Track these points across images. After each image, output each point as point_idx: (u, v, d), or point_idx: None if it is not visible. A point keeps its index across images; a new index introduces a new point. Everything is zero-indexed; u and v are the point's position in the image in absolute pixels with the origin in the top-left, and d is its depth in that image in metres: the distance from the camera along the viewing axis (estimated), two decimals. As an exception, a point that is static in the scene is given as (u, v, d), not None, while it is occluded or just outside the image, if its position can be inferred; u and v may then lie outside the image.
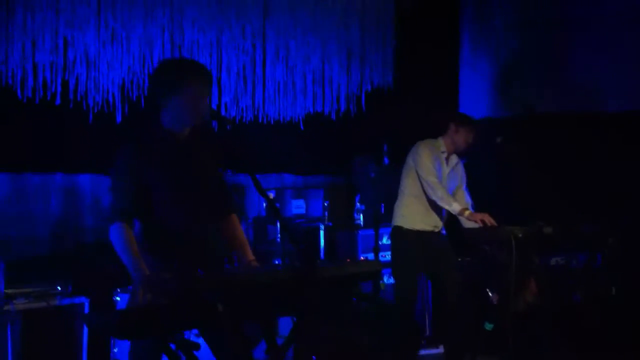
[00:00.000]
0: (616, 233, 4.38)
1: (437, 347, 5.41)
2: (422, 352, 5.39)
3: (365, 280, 3.33)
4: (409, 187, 4.76)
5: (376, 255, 5.36)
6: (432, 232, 4.74)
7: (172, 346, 2.56)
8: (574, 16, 6.08)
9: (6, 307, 3.78)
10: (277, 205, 5.32)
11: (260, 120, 5.73)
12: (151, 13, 4.95)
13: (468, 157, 4.99)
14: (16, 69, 4.49)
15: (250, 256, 3.16)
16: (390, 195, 5.93)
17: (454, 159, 4.86)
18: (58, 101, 4.67)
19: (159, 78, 3.06)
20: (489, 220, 4.39)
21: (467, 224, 4.60)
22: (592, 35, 5.95)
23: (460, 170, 4.91)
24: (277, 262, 5.04)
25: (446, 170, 4.79)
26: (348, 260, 3.53)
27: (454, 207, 4.54)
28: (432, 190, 4.62)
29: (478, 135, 4.80)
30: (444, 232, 4.83)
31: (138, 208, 2.97)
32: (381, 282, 5.42)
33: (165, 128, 3.04)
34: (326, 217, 5.75)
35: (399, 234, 4.78)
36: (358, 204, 5.96)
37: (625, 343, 4.44)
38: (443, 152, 4.78)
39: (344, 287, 2.93)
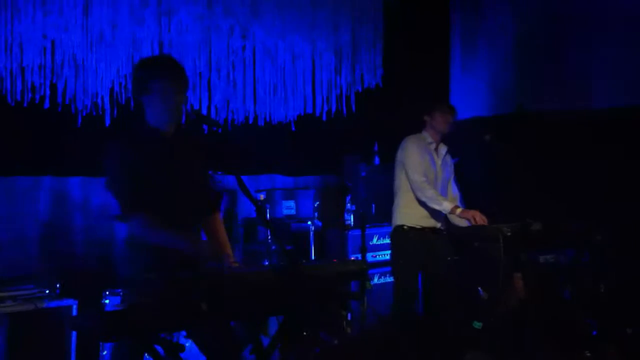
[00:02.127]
0: (603, 229, 4.39)
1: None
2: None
3: (352, 280, 3.34)
4: (403, 184, 4.72)
5: (364, 255, 5.35)
6: (432, 229, 4.70)
7: (158, 348, 2.56)
8: (566, 13, 6.08)
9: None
10: (267, 206, 5.32)
11: (250, 122, 5.72)
12: (139, 14, 4.94)
13: (459, 155, 4.97)
14: (4, 72, 4.49)
15: (231, 256, 3.15)
16: (381, 195, 5.94)
17: (442, 149, 4.83)
18: (47, 104, 4.67)
19: (133, 77, 3.13)
20: (480, 217, 4.39)
21: (456, 220, 4.58)
22: (583, 32, 5.96)
23: (450, 160, 4.89)
24: (266, 263, 5.04)
25: (439, 161, 4.78)
26: (335, 260, 3.55)
27: (445, 206, 4.51)
28: (420, 191, 4.60)
29: (454, 111, 4.77)
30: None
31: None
32: (368, 282, 5.40)
33: (151, 126, 3.04)
34: (316, 218, 5.74)
35: (400, 233, 4.73)
36: (348, 204, 5.95)
37: (613, 339, 4.45)
38: (431, 143, 4.78)
39: (330, 286, 2.94)
